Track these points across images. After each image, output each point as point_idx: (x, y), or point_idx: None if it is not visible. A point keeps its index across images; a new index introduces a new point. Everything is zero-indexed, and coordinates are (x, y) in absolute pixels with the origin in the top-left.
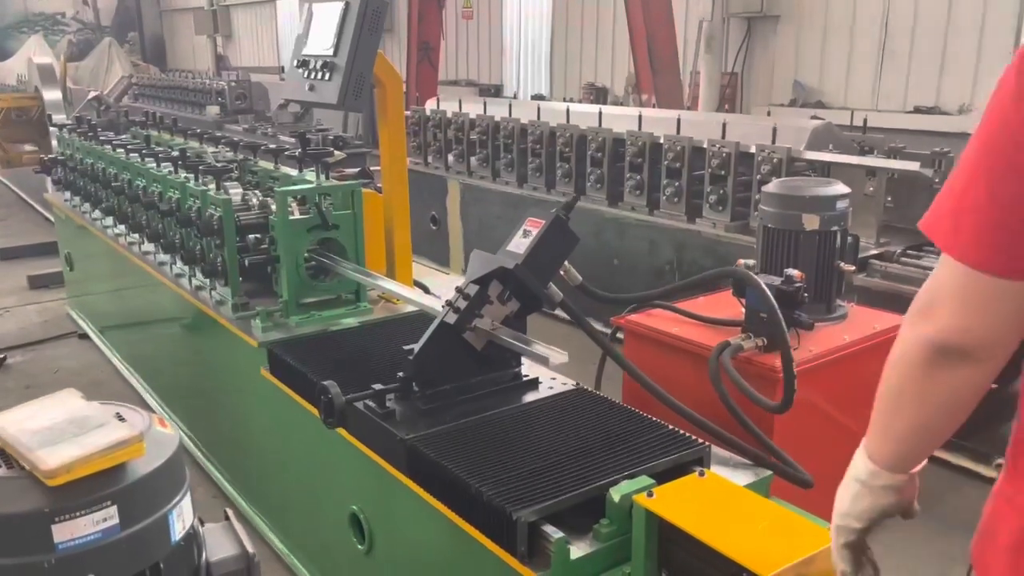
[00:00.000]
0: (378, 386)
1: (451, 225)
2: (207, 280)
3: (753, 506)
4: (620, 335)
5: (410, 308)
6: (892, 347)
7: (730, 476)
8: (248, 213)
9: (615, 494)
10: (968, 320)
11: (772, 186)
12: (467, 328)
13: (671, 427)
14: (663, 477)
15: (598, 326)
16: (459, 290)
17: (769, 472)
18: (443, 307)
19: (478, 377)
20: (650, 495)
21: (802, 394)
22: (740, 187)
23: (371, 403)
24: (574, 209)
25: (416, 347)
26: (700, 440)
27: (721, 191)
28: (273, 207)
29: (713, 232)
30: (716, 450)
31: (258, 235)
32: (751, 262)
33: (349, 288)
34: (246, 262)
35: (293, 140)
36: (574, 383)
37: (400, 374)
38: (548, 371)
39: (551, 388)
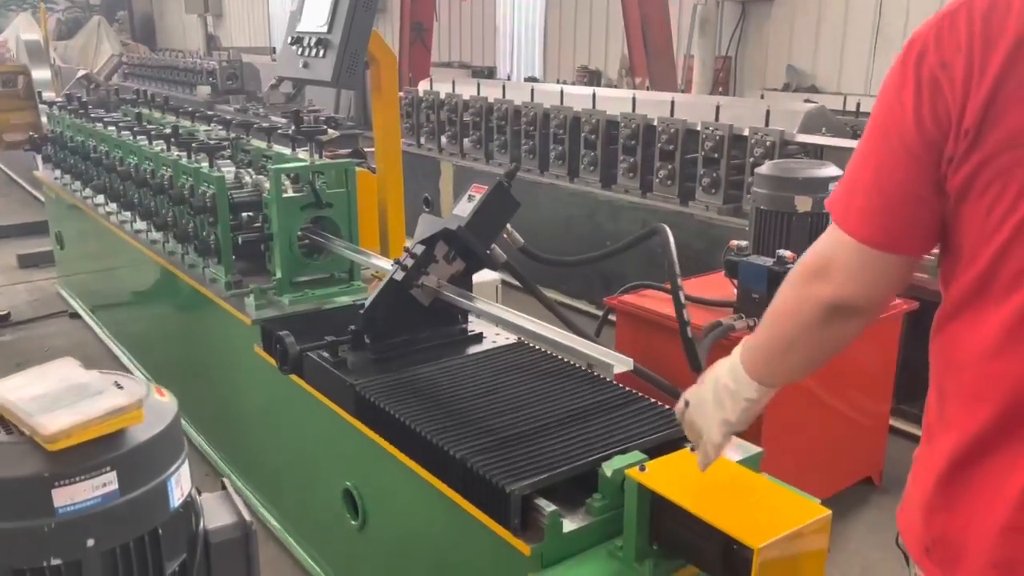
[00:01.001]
0: (331, 338)
1: (444, 206)
2: (200, 258)
3: (743, 481)
4: (612, 316)
5: None
6: (780, 298)
7: (730, 455)
8: (241, 191)
9: (607, 469)
10: (859, 285)
11: (765, 168)
12: (414, 285)
13: (662, 405)
14: (655, 452)
15: (591, 307)
16: (407, 250)
17: (759, 449)
18: (392, 266)
19: (426, 331)
20: (642, 469)
21: None
22: (733, 170)
23: (324, 353)
24: (515, 177)
25: (367, 301)
26: None
27: (714, 174)
28: (266, 185)
29: (706, 215)
30: None
31: (251, 213)
32: (744, 243)
33: (342, 267)
34: (239, 240)
35: (285, 120)
36: (515, 338)
37: (352, 327)
38: (492, 327)
39: (494, 342)
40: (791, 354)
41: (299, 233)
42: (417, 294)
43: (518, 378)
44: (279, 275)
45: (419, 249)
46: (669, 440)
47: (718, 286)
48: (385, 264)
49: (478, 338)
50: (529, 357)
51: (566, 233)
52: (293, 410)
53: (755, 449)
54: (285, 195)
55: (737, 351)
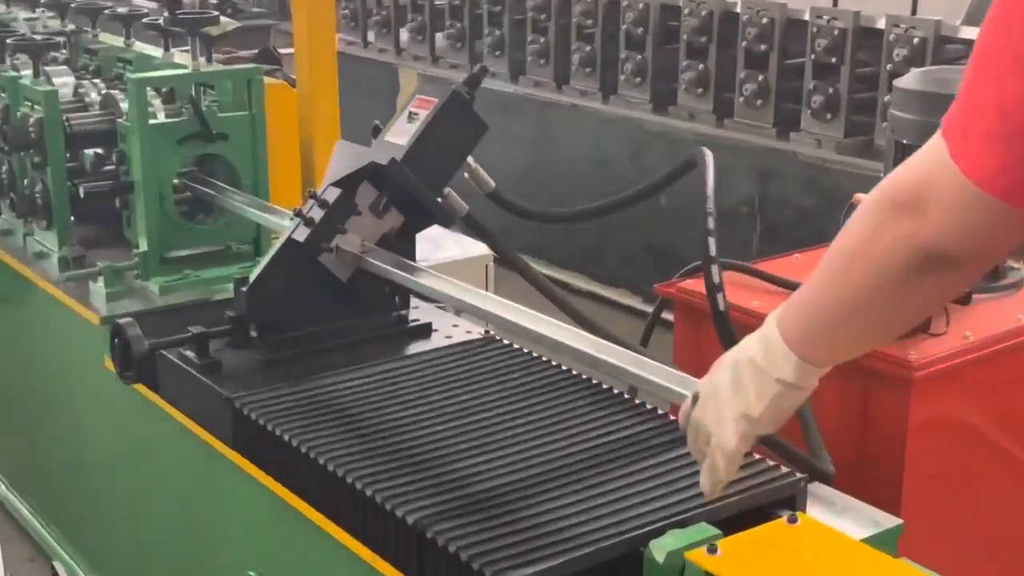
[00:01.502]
0: (197, 328)
1: None
2: (19, 221)
3: (870, 570)
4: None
5: None
6: (846, 236)
7: (837, 523)
8: (84, 115)
9: (657, 552)
10: (966, 234)
11: (911, 80)
12: (325, 249)
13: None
14: (731, 524)
15: (634, 301)
16: (314, 195)
17: (897, 521)
18: (291, 219)
19: (345, 320)
20: (713, 551)
21: (947, 403)
22: (861, 83)
23: (188, 351)
24: (479, 86)
25: (252, 276)
26: (790, 469)
27: (830, 89)
28: (123, 106)
29: (817, 154)
30: (816, 485)
31: (99, 150)
32: None
33: (244, 234)
34: (81, 192)
35: (154, 3)
36: (482, 331)
37: (229, 312)
38: (447, 315)
39: (449, 336)
40: (856, 317)
41: (176, 182)
42: (330, 263)
43: (493, 394)
44: (144, 247)
45: (332, 195)
46: (753, 506)
47: None
48: None
49: (424, 331)
50: (506, 360)
51: (595, 183)
52: (170, 456)
53: (890, 520)
54: (153, 121)
55: (772, 317)
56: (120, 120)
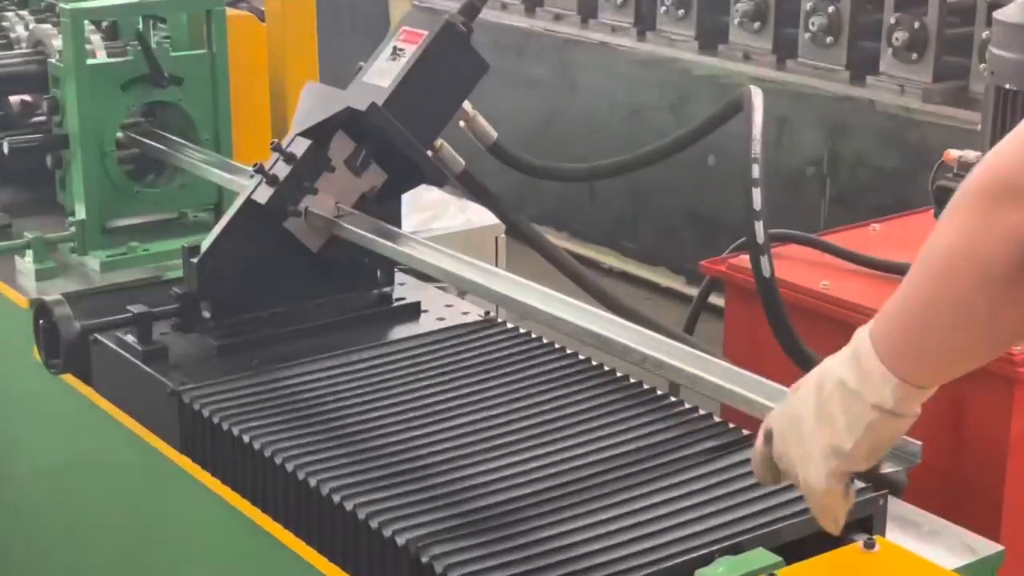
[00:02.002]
0: (139, 307)
1: None
2: None
3: None
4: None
5: None
6: (942, 232)
7: (924, 550)
8: (7, 54)
9: None
10: None
11: (1016, 11)
12: (291, 212)
13: None
14: (794, 550)
15: (675, 282)
16: (277, 148)
17: (997, 547)
18: (251, 176)
19: (316, 297)
20: None
21: None
22: (953, 16)
23: (127, 336)
24: (478, 16)
25: (204, 244)
26: (867, 485)
27: (916, 24)
28: (56, 43)
29: (899, 102)
30: (896, 504)
31: (26, 96)
32: (973, 155)
33: (202, 198)
34: (4, 147)
35: None
36: (482, 312)
37: (176, 289)
38: (440, 294)
39: (441, 318)
40: (961, 326)
41: (120, 135)
42: (297, 229)
43: (495, 389)
44: (82, 215)
45: (299, 147)
46: (821, 529)
47: (920, 236)
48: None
49: (411, 312)
50: (510, 347)
51: (628, 139)
52: (90, 450)
53: (988, 547)
54: (92, 62)
55: (863, 331)
56: (52, 61)
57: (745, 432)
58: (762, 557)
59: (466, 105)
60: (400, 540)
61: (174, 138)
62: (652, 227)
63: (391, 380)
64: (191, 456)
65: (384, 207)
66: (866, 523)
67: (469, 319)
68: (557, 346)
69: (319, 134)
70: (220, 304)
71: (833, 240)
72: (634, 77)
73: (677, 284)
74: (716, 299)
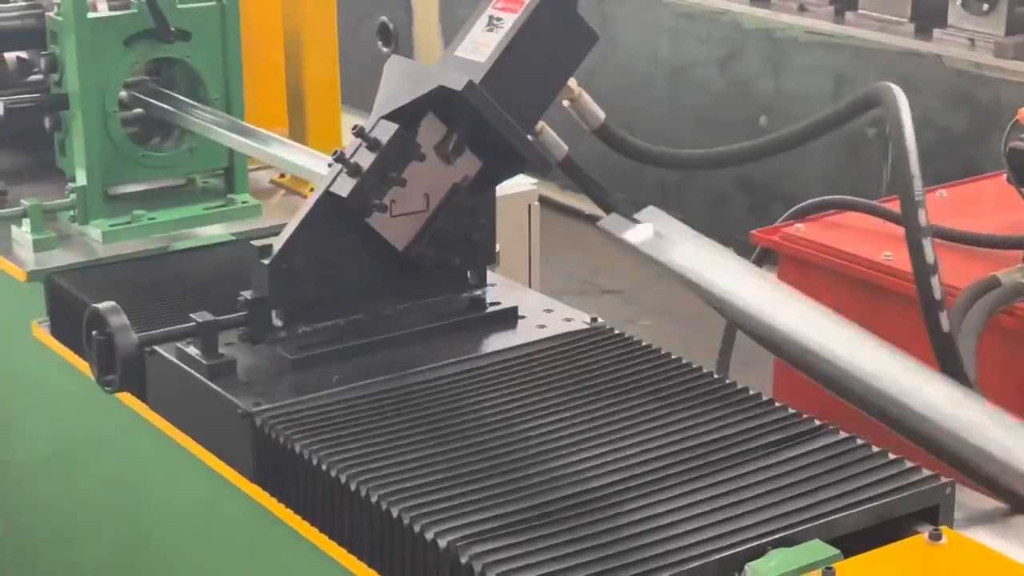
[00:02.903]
0: (203, 316)
1: (420, 42)
2: None
3: None
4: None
5: None
6: None
7: (996, 543)
8: (2, 8)
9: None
10: None
11: None
12: (375, 206)
13: (873, 447)
14: (853, 542)
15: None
16: (360, 133)
17: None
18: (330, 166)
19: (400, 303)
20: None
21: None
22: None
23: (190, 348)
24: None
25: (276, 243)
26: (932, 472)
27: None
28: None
29: (969, 56)
30: (964, 491)
31: (23, 54)
32: None
33: (212, 162)
34: (0, 108)
35: None
36: (587, 318)
37: (245, 294)
38: (533, 295)
39: (544, 327)
40: None
41: (123, 95)
42: (382, 226)
43: (597, 402)
44: (83, 181)
45: (384, 131)
46: (883, 519)
47: (991, 203)
48: (299, 157)
49: (508, 317)
50: (615, 356)
51: (671, 99)
52: (128, 466)
53: None
54: (93, 15)
55: None
56: (50, 14)
57: (816, 423)
58: (818, 550)
59: (571, 82)
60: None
61: (181, 98)
62: (699, 195)
63: (490, 399)
64: (263, 486)
65: (478, 200)
66: (931, 513)
67: (573, 326)
68: (664, 352)
69: (407, 117)
70: (294, 311)
71: (896, 207)
72: (679, 31)
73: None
74: (768, 272)
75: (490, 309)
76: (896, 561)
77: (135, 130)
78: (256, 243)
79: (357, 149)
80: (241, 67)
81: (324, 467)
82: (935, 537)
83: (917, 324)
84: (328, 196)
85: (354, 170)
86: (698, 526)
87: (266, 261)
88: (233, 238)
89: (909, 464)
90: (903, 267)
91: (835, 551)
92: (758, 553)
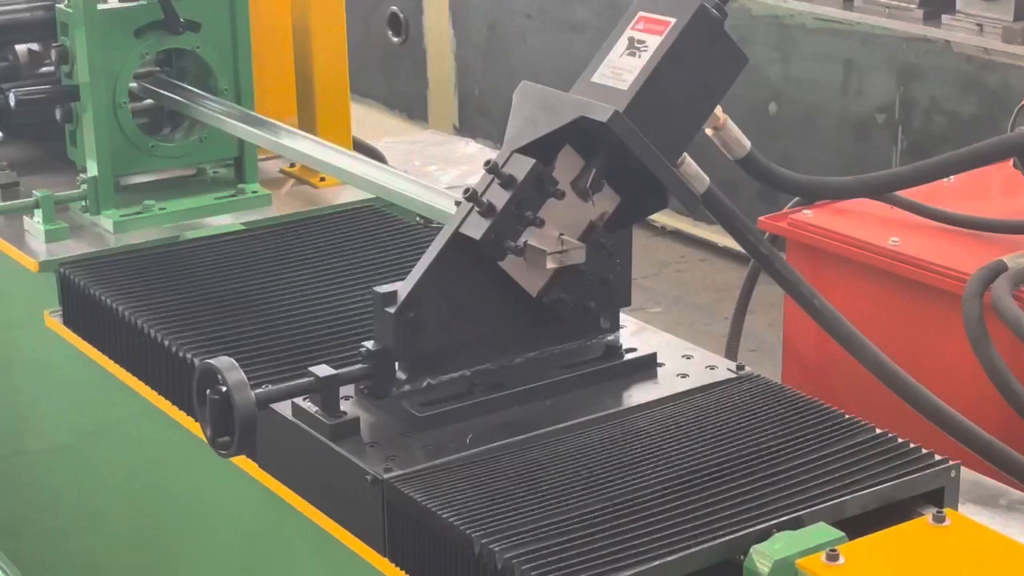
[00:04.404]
0: (323, 370)
1: (431, 32)
2: None
3: None
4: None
5: (349, 196)
6: None
7: (1000, 524)
8: (13, 0)
9: (760, 559)
10: None
11: None
12: (508, 248)
13: (876, 429)
14: (858, 524)
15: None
16: (493, 169)
17: None
18: (457, 204)
19: (532, 351)
20: (834, 558)
21: None
22: None
23: (308, 404)
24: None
25: (402, 289)
26: (938, 455)
27: None
28: None
29: (977, 41)
30: (969, 474)
31: (34, 46)
32: None
33: (221, 152)
34: (11, 100)
35: None
36: (733, 365)
37: (367, 345)
38: (664, 336)
39: (686, 376)
40: None
41: (133, 85)
42: (516, 270)
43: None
44: (94, 171)
45: (520, 167)
46: (887, 501)
47: (999, 189)
48: (309, 148)
49: (647, 365)
50: (763, 404)
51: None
52: (141, 453)
53: None
54: (103, 6)
55: None
56: (60, 6)
57: (816, 402)
58: (823, 532)
59: (717, 110)
60: None
61: (191, 88)
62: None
63: (635, 459)
64: (397, 562)
65: (617, 238)
66: (936, 496)
67: (718, 375)
68: (815, 401)
69: (544, 150)
70: (419, 362)
71: (904, 193)
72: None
73: (735, 243)
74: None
75: (627, 356)
76: (900, 543)
77: (145, 121)
78: (379, 290)
79: (489, 186)
80: (250, 57)
81: (467, 544)
82: (939, 519)
83: (924, 309)
84: (458, 237)
85: (487, 209)
86: (704, 508)
87: (391, 309)
88: (243, 227)
89: (914, 447)
90: (910, 253)
91: (840, 534)
92: (763, 536)
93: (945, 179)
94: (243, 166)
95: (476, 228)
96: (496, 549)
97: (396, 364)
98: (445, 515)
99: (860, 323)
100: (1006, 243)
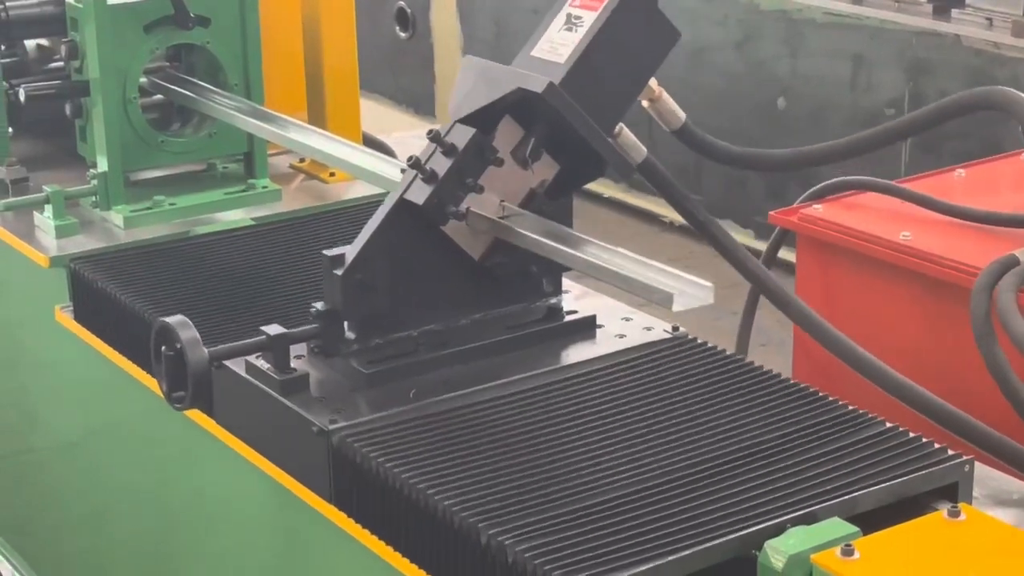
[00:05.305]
0: (274, 328)
1: (438, 28)
2: None
3: None
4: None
5: (359, 191)
6: None
7: (1016, 519)
8: None
9: (774, 554)
10: None
11: None
12: (450, 213)
13: (888, 423)
14: (872, 520)
15: (742, 236)
16: (435, 138)
17: None
18: (403, 172)
19: (475, 313)
20: (848, 553)
21: None
22: None
23: (261, 361)
24: None
25: (349, 253)
26: (951, 451)
27: None
28: None
29: (987, 37)
30: (983, 470)
31: (44, 41)
32: None
33: (231, 147)
34: (21, 95)
35: None
36: (669, 327)
37: (317, 306)
38: (608, 301)
39: (623, 336)
40: None
41: (143, 81)
42: (458, 234)
43: (676, 414)
44: (104, 167)
45: (461, 136)
46: (902, 496)
47: (1010, 183)
48: (318, 143)
49: (586, 327)
50: (698, 366)
51: (688, 82)
52: (152, 449)
53: None
54: (112, 2)
55: None
56: (70, 2)
57: (828, 398)
58: (837, 527)
59: (652, 82)
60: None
61: (201, 83)
62: (717, 177)
63: (571, 412)
64: (342, 507)
65: (554, 204)
66: (949, 491)
67: (654, 336)
68: (753, 364)
69: (485, 120)
70: (367, 323)
71: (914, 187)
72: (696, 13)
73: (745, 238)
74: (786, 254)
75: (567, 318)
76: (915, 538)
77: (155, 116)
78: (328, 252)
79: (432, 154)
80: (260, 53)
81: (405, 489)
82: (954, 514)
83: (935, 304)
84: (403, 204)
85: (429, 176)
86: (718, 503)
87: (339, 271)
88: (253, 223)
89: (927, 442)
90: (922, 247)
91: (854, 528)
92: (778, 531)
93: (956, 173)
94: (253, 161)
95: (419, 194)
96: (430, 492)
97: (345, 324)
98: (386, 463)
99: (871, 318)
100: (1018, 237)
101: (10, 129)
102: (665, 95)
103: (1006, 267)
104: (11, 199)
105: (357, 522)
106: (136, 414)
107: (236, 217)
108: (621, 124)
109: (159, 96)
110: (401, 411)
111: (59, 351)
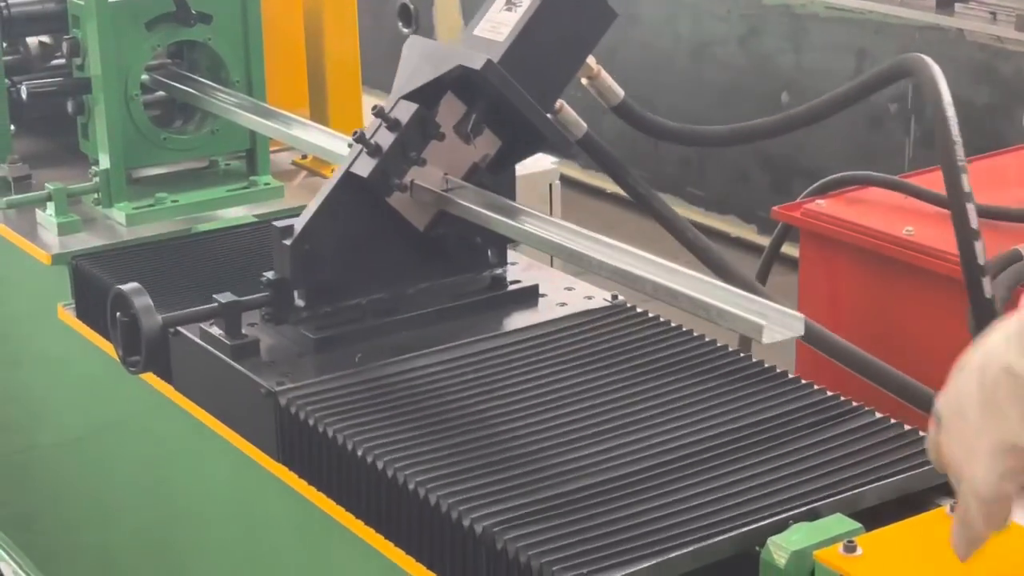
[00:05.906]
0: (226, 296)
1: (441, 22)
2: None
3: None
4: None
5: None
6: None
7: (1015, 515)
8: None
9: (776, 550)
10: None
11: None
12: (395, 186)
13: (885, 417)
14: (876, 516)
15: (746, 231)
16: (380, 114)
17: None
18: (350, 146)
19: (423, 282)
20: (851, 549)
21: None
22: None
23: (213, 328)
24: None
25: (298, 224)
26: None
27: None
28: None
29: (991, 30)
30: None
31: (45, 38)
32: None
33: (234, 144)
34: (23, 93)
35: None
36: (608, 295)
37: (268, 275)
38: (554, 273)
39: (564, 304)
40: None
41: (145, 78)
42: (403, 205)
43: (615, 378)
44: (106, 164)
45: (404, 111)
46: (905, 492)
47: (1014, 177)
48: (320, 139)
49: (529, 296)
50: (636, 333)
51: (692, 77)
52: (156, 446)
53: None
54: None
55: None
56: None
57: (828, 393)
58: (839, 523)
59: (590, 60)
60: (478, 528)
61: (203, 80)
62: (721, 172)
63: (510, 375)
64: (288, 464)
65: (497, 178)
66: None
67: (594, 304)
68: (691, 332)
69: (427, 96)
70: (316, 291)
71: (918, 182)
72: (700, 8)
73: (748, 233)
74: (790, 249)
75: (511, 287)
76: (918, 534)
77: (157, 113)
78: (277, 224)
79: (377, 129)
80: (262, 49)
81: (348, 446)
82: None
83: (939, 299)
84: (349, 176)
85: (374, 150)
86: (720, 501)
87: (287, 242)
88: (256, 220)
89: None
90: (925, 242)
91: (857, 525)
92: (780, 527)
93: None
94: (255, 158)
95: (364, 167)
96: (371, 452)
97: (295, 293)
98: (328, 422)
99: (874, 312)
100: (1022, 232)
101: (12, 126)
102: (604, 73)
103: (1008, 262)
104: (13, 196)
105: (303, 479)
106: (139, 411)
107: (238, 214)
108: (561, 100)
109: (161, 93)
110: (347, 374)
111: (61, 348)
